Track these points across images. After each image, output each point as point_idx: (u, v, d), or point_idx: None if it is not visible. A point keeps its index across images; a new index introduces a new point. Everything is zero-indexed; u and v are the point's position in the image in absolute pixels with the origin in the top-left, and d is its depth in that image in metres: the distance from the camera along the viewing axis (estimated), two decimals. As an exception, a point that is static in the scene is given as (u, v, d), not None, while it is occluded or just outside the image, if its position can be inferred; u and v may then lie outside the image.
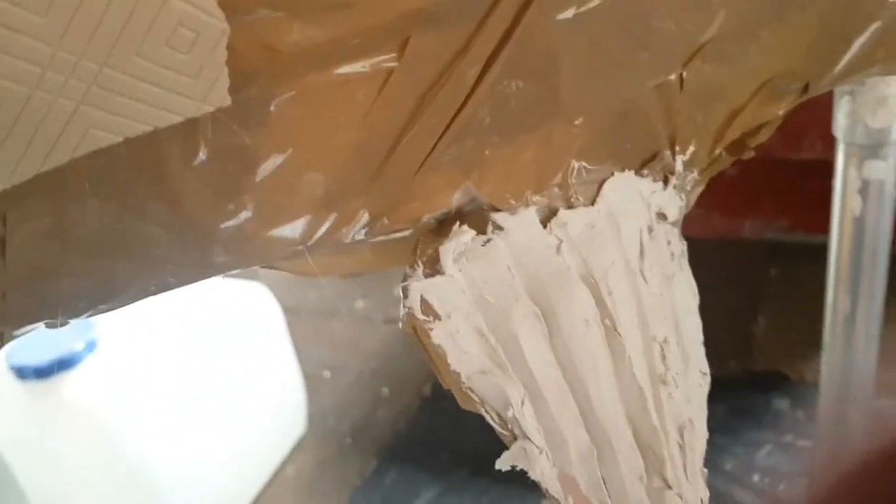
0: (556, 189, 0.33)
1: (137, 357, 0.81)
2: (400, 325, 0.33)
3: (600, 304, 0.34)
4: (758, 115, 0.37)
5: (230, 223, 0.27)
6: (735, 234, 1.18)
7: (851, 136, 0.48)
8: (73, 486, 0.81)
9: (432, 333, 0.32)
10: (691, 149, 0.36)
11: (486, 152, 0.31)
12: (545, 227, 0.33)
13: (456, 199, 0.32)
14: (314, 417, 1.06)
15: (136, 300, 0.28)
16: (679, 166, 0.35)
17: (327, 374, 1.14)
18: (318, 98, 0.26)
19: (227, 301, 0.93)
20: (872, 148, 0.48)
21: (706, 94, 0.35)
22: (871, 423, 0.58)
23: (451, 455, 0.98)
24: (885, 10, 0.36)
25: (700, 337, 0.38)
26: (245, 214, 0.27)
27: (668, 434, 0.36)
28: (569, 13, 0.29)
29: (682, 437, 0.36)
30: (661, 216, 0.36)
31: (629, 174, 0.35)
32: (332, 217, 0.29)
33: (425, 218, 0.32)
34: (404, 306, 0.32)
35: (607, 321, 0.34)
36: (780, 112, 0.38)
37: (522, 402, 0.33)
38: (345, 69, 0.26)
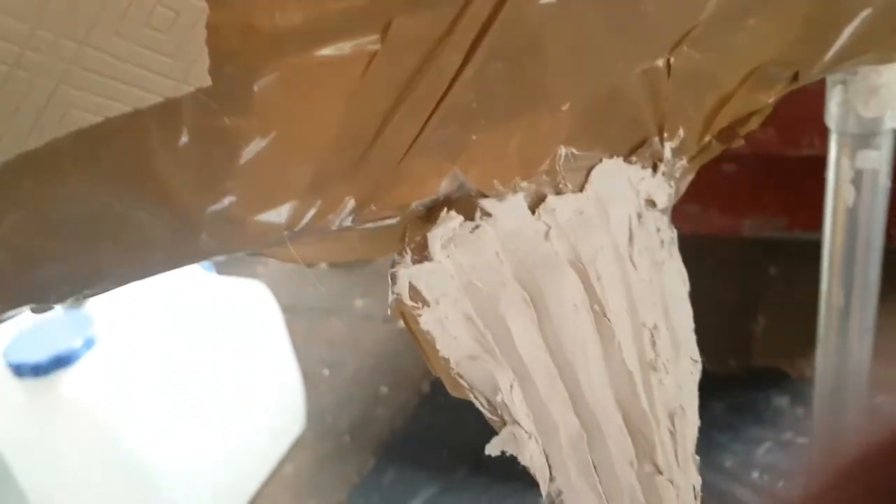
0: (544, 175, 0.33)
1: (136, 354, 0.81)
2: (389, 311, 0.33)
3: (589, 289, 0.34)
4: (747, 103, 0.37)
5: (215, 207, 0.27)
6: (735, 232, 1.17)
7: (844, 126, 0.48)
8: (71, 483, 0.81)
9: (421, 319, 0.32)
10: (680, 135, 0.35)
11: (473, 137, 0.31)
12: (533, 213, 0.33)
13: (444, 185, 0.31)
14: (313, 415, 1.06)
15: (122, 285, 0.28)
16: (668, 153, 0.35)
17: (326, 372, 1.14)
18: (301, 80, 0.26)
19: (226, 299, 0.93)
20: (865, 137, 0.47)
21: (694, 81, 0.35)
22: (868, 419, 0.58)
23: (450, 453, 0.98)
24: (875, -2, 0.36)
25: (691, 324, 0.38)
26: (230, 199, 0.27)
27: (658, 420, 0.36)
28: (553, -4, 0.29)
29: (672, 423, 0.36)
30: (651, 203, 0.36)
31: (617, 161, 0.34)
32: (318, 203, 0.29)
33: (413, 205, 0.31)
34: (393, 292, 0.32)
35: (596, 307, 0.34)
36: (770, 100, 0.38)
37: (511, 387, 0.33)
38: (327, 51, 0.26)
